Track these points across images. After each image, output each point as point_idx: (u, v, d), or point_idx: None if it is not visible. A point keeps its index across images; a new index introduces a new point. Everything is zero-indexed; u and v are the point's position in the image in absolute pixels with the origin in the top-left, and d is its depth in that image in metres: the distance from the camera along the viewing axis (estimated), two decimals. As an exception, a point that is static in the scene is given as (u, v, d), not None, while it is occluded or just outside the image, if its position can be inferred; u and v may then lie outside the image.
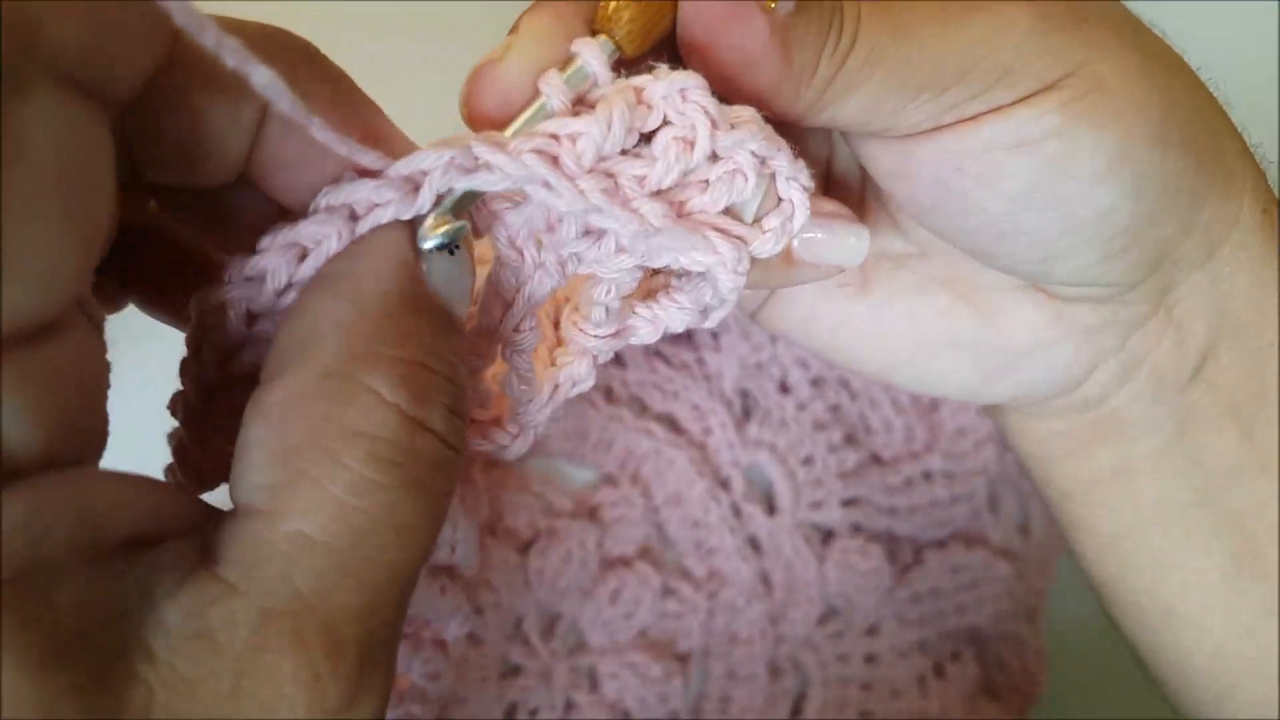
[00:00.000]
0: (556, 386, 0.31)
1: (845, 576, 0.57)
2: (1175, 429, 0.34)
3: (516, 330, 0.29)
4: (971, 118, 0.29)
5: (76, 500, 0.21)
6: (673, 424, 0.58)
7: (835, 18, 0.27)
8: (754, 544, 0.58)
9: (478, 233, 0.28)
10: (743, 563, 0.57)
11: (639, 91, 0.27)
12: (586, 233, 0.28)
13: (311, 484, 0.23)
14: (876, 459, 0.58)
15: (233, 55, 0.20)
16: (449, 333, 0.26)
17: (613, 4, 0.26)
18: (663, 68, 0.27)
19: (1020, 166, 0.29)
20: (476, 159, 0.26)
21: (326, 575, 0.22)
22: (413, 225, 0.26)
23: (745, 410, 0.58)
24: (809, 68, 0.27)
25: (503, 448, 0.31)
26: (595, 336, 0.30)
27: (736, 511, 0.58)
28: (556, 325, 0.32)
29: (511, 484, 0.55)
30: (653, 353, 0.57)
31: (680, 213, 0.28)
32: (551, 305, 0.32)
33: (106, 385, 0.24)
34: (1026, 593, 0.58)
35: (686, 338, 0.58)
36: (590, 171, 0.27)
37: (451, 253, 0.26)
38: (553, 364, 0.31)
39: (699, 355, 0.58)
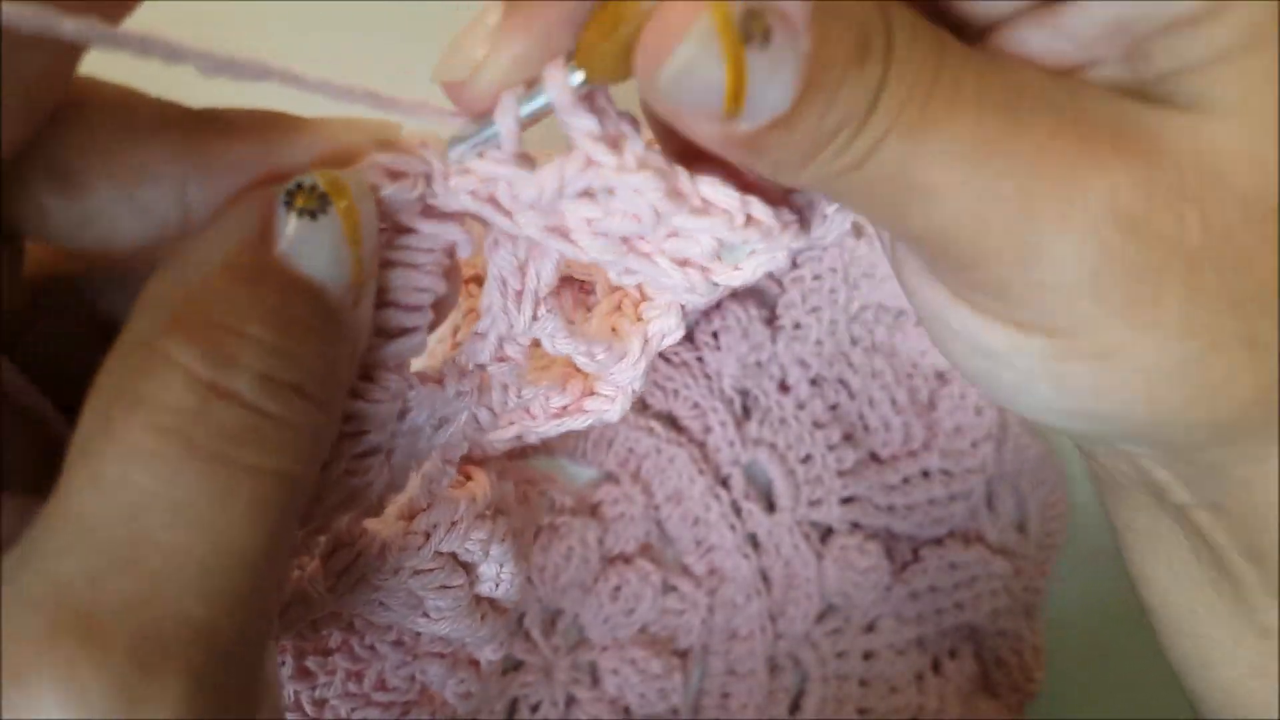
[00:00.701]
0: (646, 340, 0.30)
1: (844, 574, 0.57)
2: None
3: (534, 318, 0.29)
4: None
5: None
6: (673, 422, 0.58)
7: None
8: (753, 541, 0.58)
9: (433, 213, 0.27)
10: (742, 560, 0.57)
11: (591, 163, 0.25)
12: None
13: (87, 459, 0.21)
14: (875, 457, 0.58)
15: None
16: (300, 302, 0.23)
17: (590, 34, 0.24)
18: (628, 138, 0.25)
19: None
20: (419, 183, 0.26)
21: (90, 558, 0.20)
22: (272, 195, 0.24)
23: (745, 409, 0.58)
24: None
25: (605, 413, 0.31)
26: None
27: (736, 509, 0.58)
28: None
29: (513, 480, 0.56)
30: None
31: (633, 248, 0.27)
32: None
33: None
34: (1024, 590, 0.58)
35: (685, 336, 0.58)
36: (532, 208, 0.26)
37: (314, 218, 0.24)
38: (639, 319, 0.31)
39: (699, 354, 0.58)
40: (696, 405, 0.58)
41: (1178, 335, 0.23)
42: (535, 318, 0.29)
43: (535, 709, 0.55)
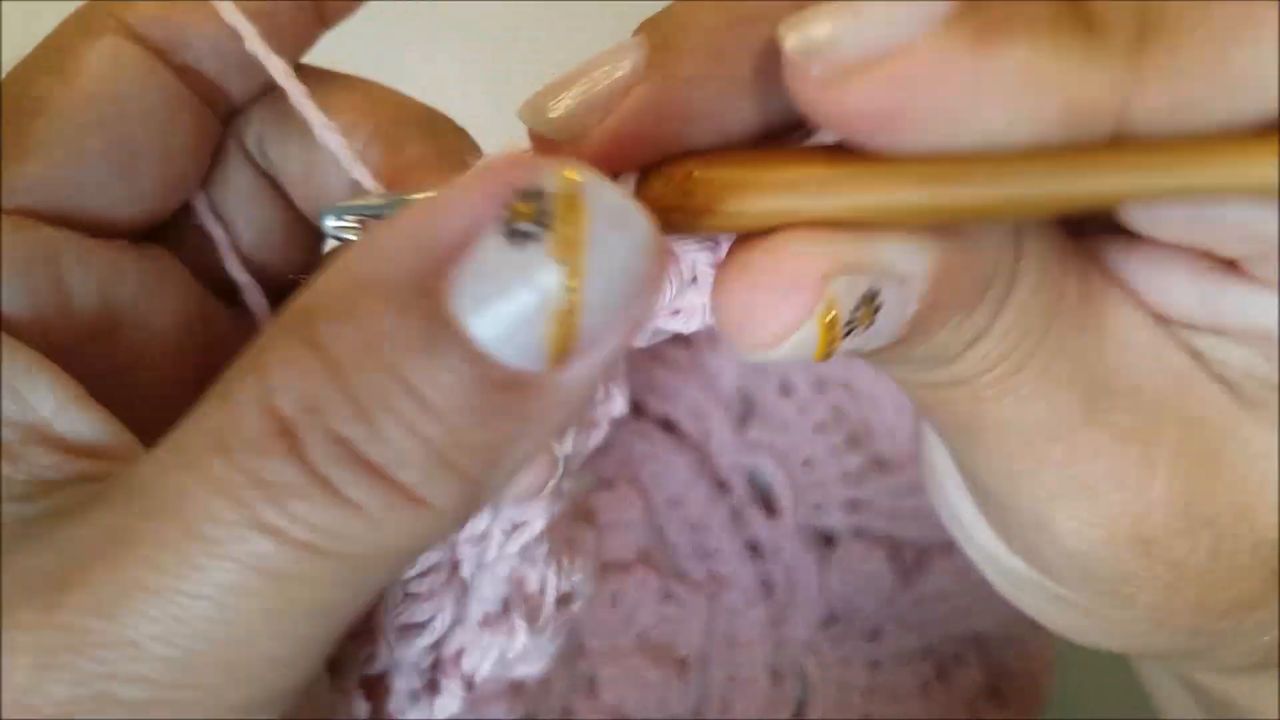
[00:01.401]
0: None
1: (847, 580, 0.56)
2: None
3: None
4: None
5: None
6: (671, 426, 0.58)
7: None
8: (754, 547, 0.57)
9: None
10: (743, 566, 0.57)
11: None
12: None
13: (179, 433, 0.20)
14: (879, 462, 0.58)
15: (250, 40, 0.25)
16: (438, 359, 0.18)
17: (661, 189, 0.19)
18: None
19: None
20: None
21: (104, 534, 0.19)
22: (494, 194, 0.19)
23: (745, 412, 0.58)
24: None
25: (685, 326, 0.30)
26: None
27: (736, 514, 0.57)
28: None
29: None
30: (649, 354, 0.57)
31: None
32: None
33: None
34: (1031, 596, 0.58)
35: (684, 339, 0.57)
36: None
37: (512, 239, 0.16)
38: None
39: (696, 356, 0.57)
40: (695, 408, 0.57)
41: (1138, 618, 0.24)
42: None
43: (531, 718, 0.55)
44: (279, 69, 0.25)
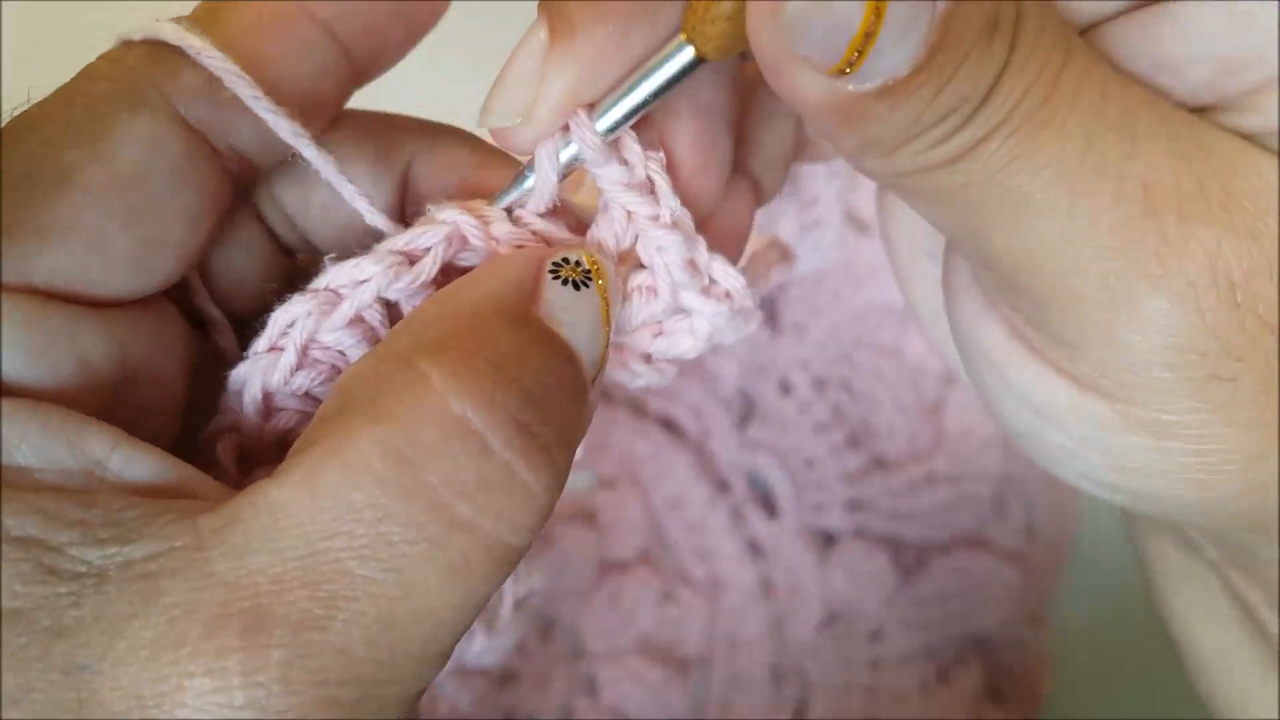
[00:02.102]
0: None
1: (848, 580, 0.56)
2: None
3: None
4: None
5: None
6: (671, 426, 0.58)
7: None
8: (755, 548, 0.57)
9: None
10: (743, 567, 0.57)
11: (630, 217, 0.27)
12: None
13: (312, 457, 0.20)
14: (880, 462, 0.58)
15: (255, 103, 0.24)
16: (553, 360, 0.23)
17: (703, 4, 0.23)
18: (663, 192, 0.26)
19: None
20: (465, 240, 0.26)
21: (279, 559, 0.20)
22: (542, 258, 0.25)
23: (745, 412, 0.58)
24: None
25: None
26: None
27: (737, 515, 0.57)
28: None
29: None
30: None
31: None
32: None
33: (173, 385, 0.26)
34: (1031, 597, 0.58)
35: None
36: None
37: (576, 287, 0.24)
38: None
39: (698, 357, 0.57)
40: (696, 408, 0.57)
41: (1246, 425, 0.22)
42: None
43: (531, 719, 0.55)
44: (320, 160, 0.25)
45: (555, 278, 0.24)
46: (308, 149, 0.25)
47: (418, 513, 0.20)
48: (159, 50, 0.24)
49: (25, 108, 0.24)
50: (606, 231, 0.27)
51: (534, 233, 0.26)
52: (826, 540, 0.57)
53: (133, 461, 0.22)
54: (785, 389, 0.58)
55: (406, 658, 0.21)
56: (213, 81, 0.24)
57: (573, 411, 0.23)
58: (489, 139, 0.26)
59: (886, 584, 0.56)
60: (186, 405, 0.27)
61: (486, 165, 0.28)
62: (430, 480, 0.20)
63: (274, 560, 0.20)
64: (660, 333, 0.28)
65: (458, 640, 0.22)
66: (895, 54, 0.19)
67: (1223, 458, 0.22)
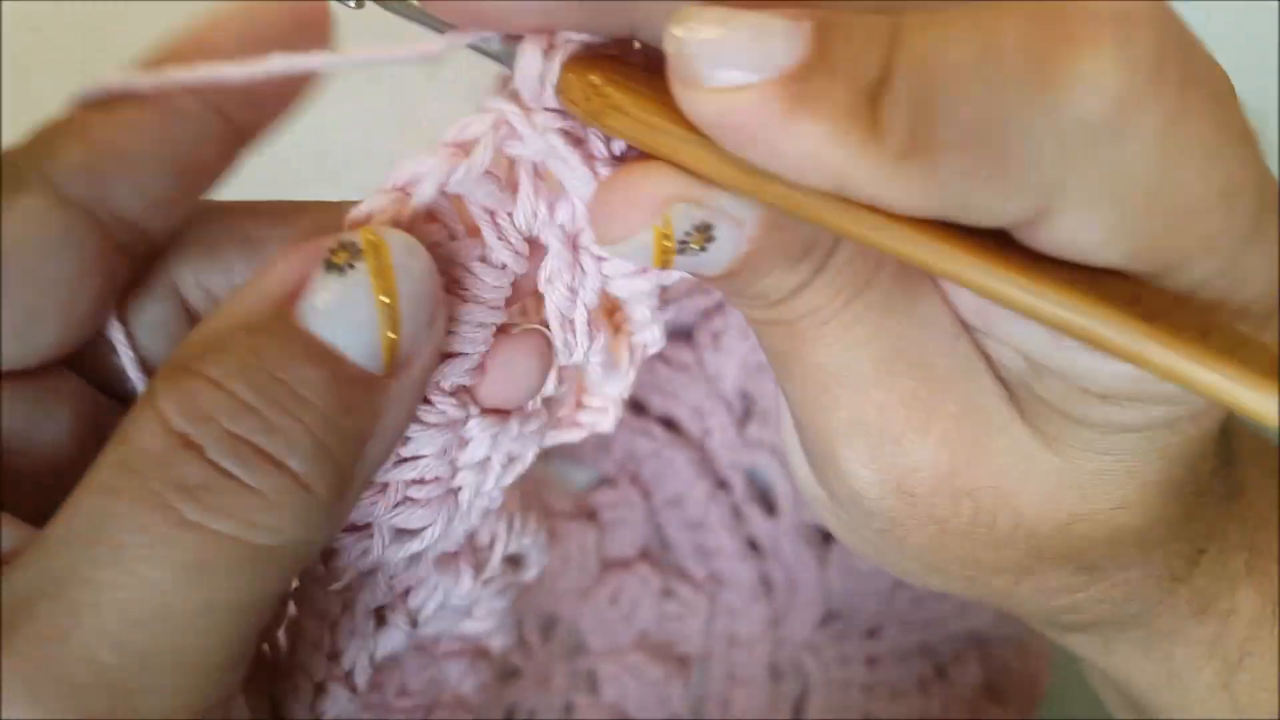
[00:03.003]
0: (632, 351, 0.30)
1: (846, 578, 0.57)
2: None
3: (590, 338, 0.28)
4: None
5: None
6: (672, 425, 0.58)
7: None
8: (754, 545, 0.57)
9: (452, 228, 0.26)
10: (743, 564, 0.57)
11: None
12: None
13: (81, 483, 0.22)
14: (878, 460, 0.58)
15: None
16: (294, 363, 0.22)
17: (581, 90, 0.23)
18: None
19: None
20: (514, 129, 0.25)
21: (31, 577, 0.21)
22: (315, 250, 0.24)
23: (746, 411, 0.58)
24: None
25: (599, 424, 0.31)
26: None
27: (736, 513, 0.57)
28: (610, 312, 0.31)
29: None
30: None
31: None
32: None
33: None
34: (1029, 594, 0.58)
35: (685, 338, 0.57)
36: (614, 160, 0.26)
37: (341, 273, 0.23)
38: (619, 329, 0.30)
39: (699, 355, 0.57)
40: (696, 407, 0.57)
41: (913, 557, 0.28)
42: (592, 340, 0.28)
43: (532, 715, 0.55)
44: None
45: (326, 268, 0.23)
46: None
47: (144, 515, 0.21)
48: (49, 129, 0.24)
49: None
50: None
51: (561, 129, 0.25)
52: (825, 538, 0.57)
53: None
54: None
55: (159, 664, 0.21)
56: (91, 156, 0.24)
57: (326, 412, 0.22)
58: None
59: (884, 581, 0.56)
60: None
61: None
62: (155, 486, 0.21)
63: (26, 582, 0.21)
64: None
65: (233, 649, 0.23)
66: (701, 271, 0.23)
67: (909, 568, 0.29)
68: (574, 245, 0.27)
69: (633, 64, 0.23)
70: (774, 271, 0.23)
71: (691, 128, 0.20)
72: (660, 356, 0.57)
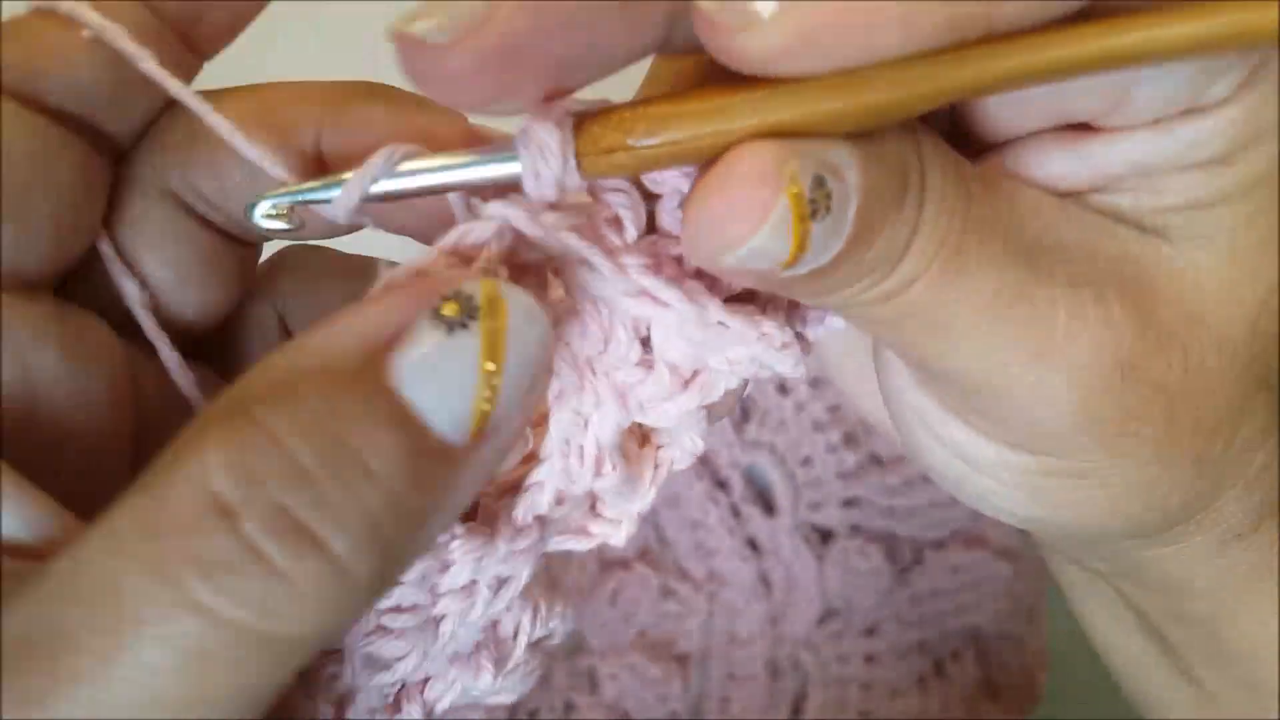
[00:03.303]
0: (657, 467, 0.27)
1: (845, 577, 0.57)
2: None
3: (598, 475, 0.26)
4: None
5: None
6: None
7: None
8: (753, 545, 0.57)
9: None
10: (742, 563, 0.57)
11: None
12: (638, 363, 0.25)
13: (100, 519, 0.19)
14: (876, 459, 0.58)
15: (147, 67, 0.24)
16: (372, 429, 0.19)
17: (603, 127, 0.21)
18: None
19: None
20: (516, 230, 0.22)
21: (31, 613, 0.19)
22: (426, 291, 0.21)
23: (744, 410, 0.58)
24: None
25: (610, 537, 0.27)
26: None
27: (735, 512, 0.57)
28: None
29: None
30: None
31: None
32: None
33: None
34: (1026, 593, 0.58)
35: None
36: (631, 247, 0.23)
37: (451, 329, 0.20)
38: (648, 443, 0.27)
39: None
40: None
41: (1145, 461, 0.25)
42: (599, 474, 0.26)
43: (533, 715, 0.55)
44: (171, 83, 0.24)
45: (433, 319, 0.20)
46: (191, 100, 0.24)
47: (154, 589, 0.18)
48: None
49: None
50: (614, 200, 0.23)
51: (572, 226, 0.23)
52: (823, 537, 0.57)
53: None
54: (783, 388, 0.58)
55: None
56: (25, 51, 0.24)
57: (391, 488, 0.19)
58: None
59: (883, 580, 0.56)
60: (126, 427, 0.26)
61: (409, 116, 0.26)
62: (169, 555, 0.18)
63: (24, 625, 0.19)
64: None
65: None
66: (820, 257, 0.21)
67: (1128, 490, 0.26)
68: (589, 369, 0.24)
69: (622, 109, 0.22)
70: (886, 220, 0.21)
71: (752, 86, 0.20)
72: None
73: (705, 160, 0.21)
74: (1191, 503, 0.27)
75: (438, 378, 0.20)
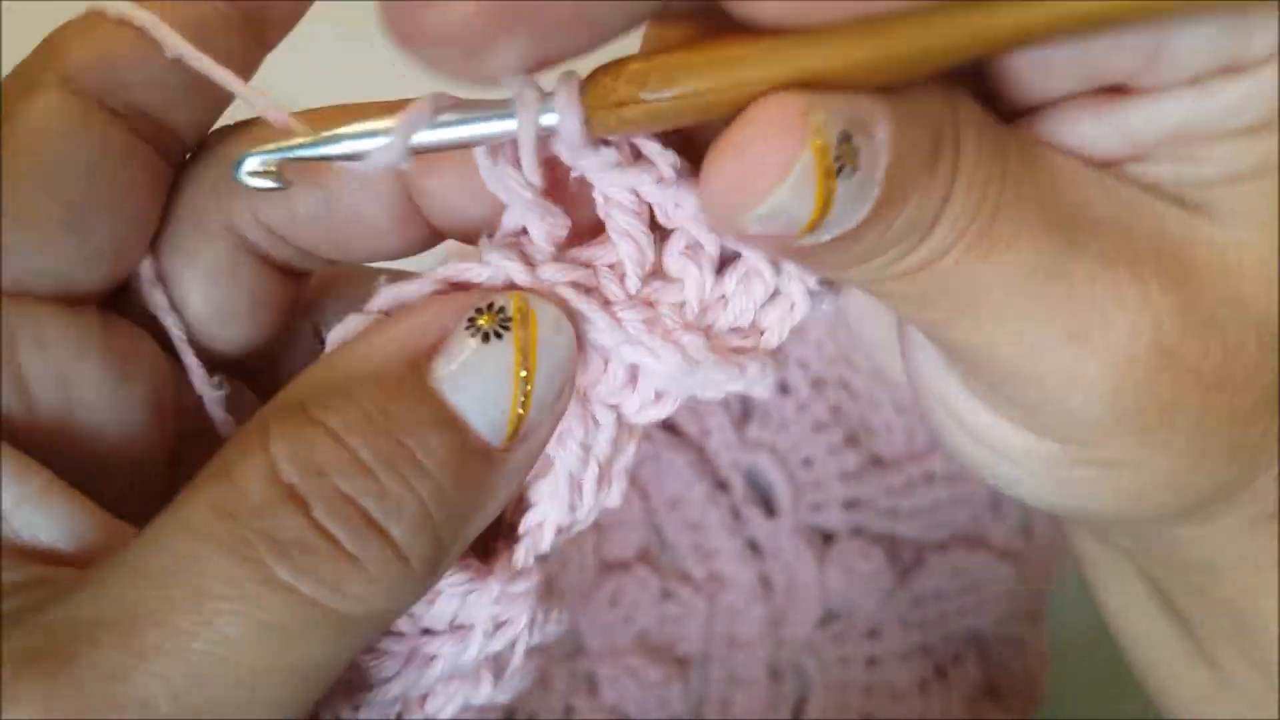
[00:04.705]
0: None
1: (846, 579, 0.56)
2: None
3: (598, 501, 0.26)
4: None
5: None
6: (670, 426, 0.57)
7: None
8: (754, 546, 0.57)
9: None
10: (742, 565, 0.57)
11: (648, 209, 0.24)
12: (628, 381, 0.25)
13: (165, 511, 0.21)
14: (877, 460, 0.58)
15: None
16: (420, 428, 0.21)
17: (615, 79, 0.20)
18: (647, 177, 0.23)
19: None
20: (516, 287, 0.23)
21: (99, 606, 0.20)
22: (463, 306, 0.23)
23: (744, 411, 0.58)
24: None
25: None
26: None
27: (736, 514, 0.57)
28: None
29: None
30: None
31: (709, 337, 0.25)
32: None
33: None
34: (1028, 595, 0.58)
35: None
36: (630, 300, 0.24)
37: (487, 339, 0.22)
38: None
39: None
40: (695, 408, 0.57)
41: (1180, 451, 0.24)
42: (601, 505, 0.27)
43: (532, 718, 0.55)
44: (225, 77, 0.24)
45: (469, 329, 0.22)
46: (208, 66, 0.24)
47: (233, 567, 0.20)
48: (55, 37, 0.24)
49: None
50: (622, 248, 0.24)
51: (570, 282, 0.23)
52: (825, 539, 0.57)
53: (36, 521, 0.22)
54: (784, 388, 0.58)
55: (210, 709, 0.20)
56: (99, 50, 0.24)
57: (441, 483, 0.21)
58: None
59: (884, 582, 0.56)
60: (167, 439, 0.26)
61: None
62: (249, 537, 0.20)
63: (96, 608, 0.20)
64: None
65: (293, 712, 0.21)
66: (848, 219, 0.20)
67: (1159, 478, 0.25)
68: (584, 398, 0.25)
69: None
70: (917, 183, 0.20)
71: (774, 35, 0.19)
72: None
73: (724, 115, 0.20)
74: (1226, 486, 0.26)
75: (476, 384, 0.22)
